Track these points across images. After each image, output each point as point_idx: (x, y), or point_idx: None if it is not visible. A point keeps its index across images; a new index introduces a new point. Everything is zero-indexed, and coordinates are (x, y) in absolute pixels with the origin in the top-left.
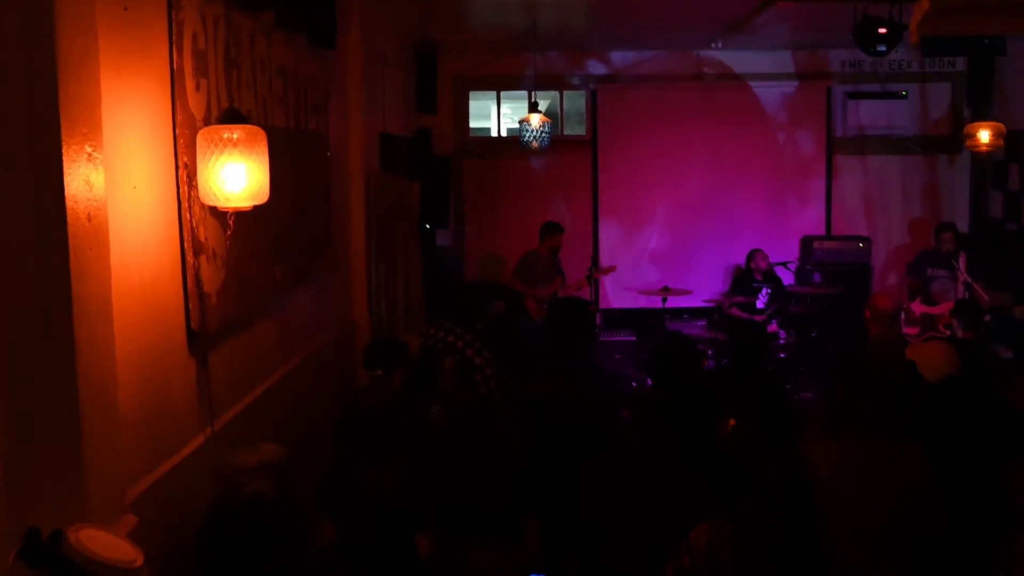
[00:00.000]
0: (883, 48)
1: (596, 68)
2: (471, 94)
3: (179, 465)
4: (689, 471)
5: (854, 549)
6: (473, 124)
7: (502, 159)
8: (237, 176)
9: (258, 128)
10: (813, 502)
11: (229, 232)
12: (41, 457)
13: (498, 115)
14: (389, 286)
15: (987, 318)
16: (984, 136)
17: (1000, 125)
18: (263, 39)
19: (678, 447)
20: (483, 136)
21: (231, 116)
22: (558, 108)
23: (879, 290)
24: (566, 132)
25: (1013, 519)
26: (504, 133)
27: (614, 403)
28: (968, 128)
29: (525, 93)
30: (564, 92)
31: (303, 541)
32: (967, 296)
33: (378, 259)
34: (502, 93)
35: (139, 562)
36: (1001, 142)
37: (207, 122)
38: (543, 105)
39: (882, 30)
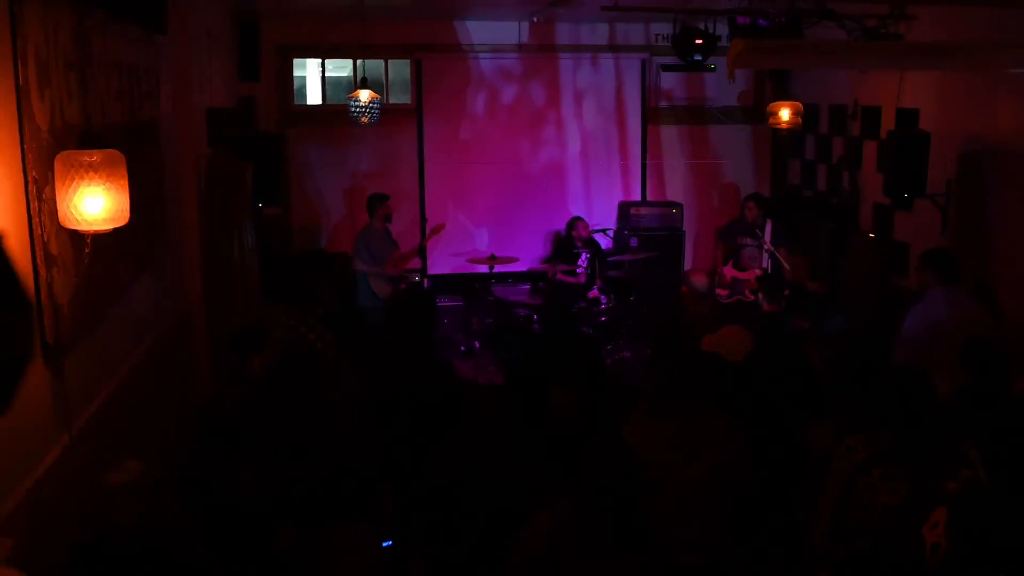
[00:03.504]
0: (699, 57)
1: (421, 37)
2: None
3: (42, 478)
4: (529, 452)
5: (671, 515)
6: (296, 87)
7: (328, 127)
8: (97, 200)
9: (116, 152)
10: (640, 483)
11: (88, 250)
12: None
13: (323, 84)
14: (224, 266)
15: (786, 292)
16: (785, 115)
17: (798, 104)
18: (99, 36)
19: (519, 428)
20: (309, 106)
21: (89, 140)
22: (383, 76)
23: (691, 254)
24: (391, 100)
25: (811, 469)
26: (329, 99)
27: (457, 387)
28: (770, 107)
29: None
30: (389, 60)
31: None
32: (771, 263)
33: (212, 240)
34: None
35: None
36: (800, 120)
37: (52, 133)
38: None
39: (698, 41)
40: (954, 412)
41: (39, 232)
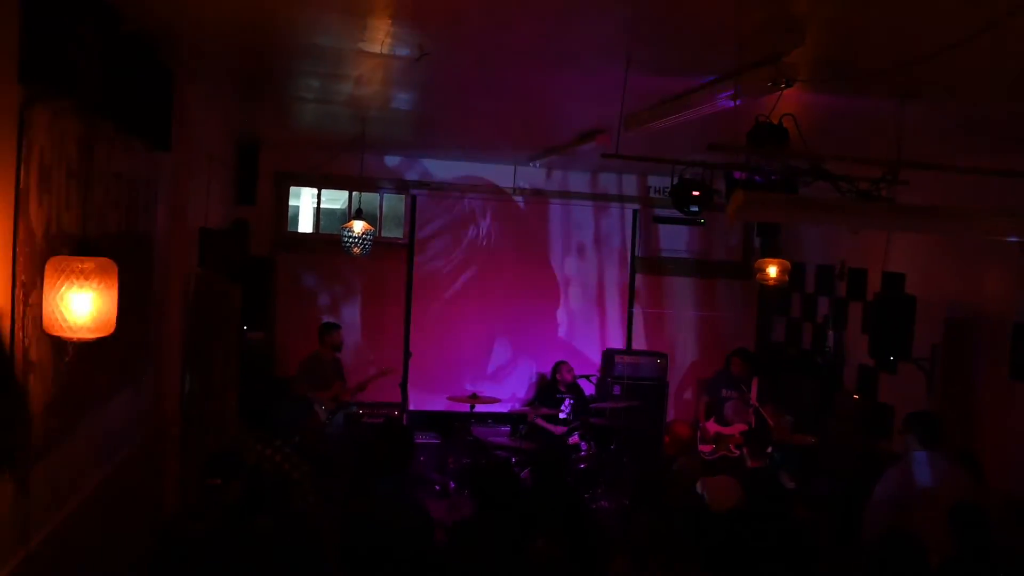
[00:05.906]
0: (695, 208)
1: (418, 174)
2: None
3: None
4: None
5: None
6: (290, 215)
7: (319, 255)
8: (85, 307)
9: (109, 260)
10: None
11: (68, 358)
12: None
13: (316, 214)
14: (204, 387)
15: (769, 450)
16: (772, 271)
17: (786, 262)
18: (104, 147)
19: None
20: (302, 233)
21: (84, 248)
22: (377, 209)
23: (674, 405)
24: (384, 234)
25: None
26: (322, 229)
27: (430, 526)
28: (758, 263)
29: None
30: (384, 195)
31: None
32: (756, 420)
33: (194, 359)
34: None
35: None
36: (786, 277)
37: (47, 238)
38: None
39: (695, 193)
40: None
41: (20, 337)
